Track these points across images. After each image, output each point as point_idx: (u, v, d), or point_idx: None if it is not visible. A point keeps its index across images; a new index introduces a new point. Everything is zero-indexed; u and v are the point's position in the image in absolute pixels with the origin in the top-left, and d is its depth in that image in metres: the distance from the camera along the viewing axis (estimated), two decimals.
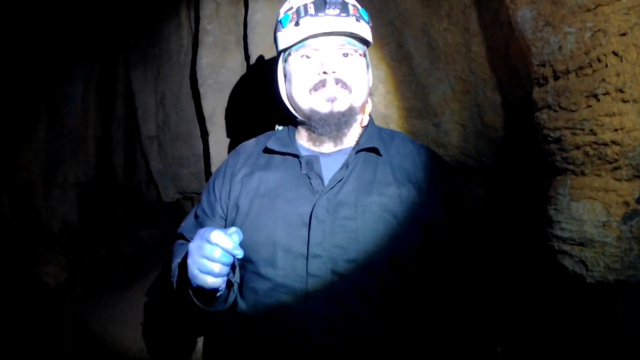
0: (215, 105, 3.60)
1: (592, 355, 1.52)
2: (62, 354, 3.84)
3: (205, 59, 3.73)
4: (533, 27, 1.48)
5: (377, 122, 2.20)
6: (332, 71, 1.47)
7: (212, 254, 1.22)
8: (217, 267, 1.23)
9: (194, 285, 1.29)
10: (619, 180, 1.33)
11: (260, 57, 2.96)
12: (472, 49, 2.00)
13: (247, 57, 3.21)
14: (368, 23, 1.57)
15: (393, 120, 2.34)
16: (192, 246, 1.28)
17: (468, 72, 2.03)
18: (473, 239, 1.57)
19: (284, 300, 1.38)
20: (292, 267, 1.38)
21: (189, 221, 1.73)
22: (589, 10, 1.32)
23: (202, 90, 3.72)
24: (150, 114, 5.53)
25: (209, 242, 1.22)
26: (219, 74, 3.67)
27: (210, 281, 1.25)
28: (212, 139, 3.57)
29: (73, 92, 5.96)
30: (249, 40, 3.06)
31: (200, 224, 1.63)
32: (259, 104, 3.03)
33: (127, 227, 6.14)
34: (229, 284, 1.43)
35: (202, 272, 1.25)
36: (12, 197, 5.50)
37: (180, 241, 1.70)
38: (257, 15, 3.00)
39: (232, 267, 1.41)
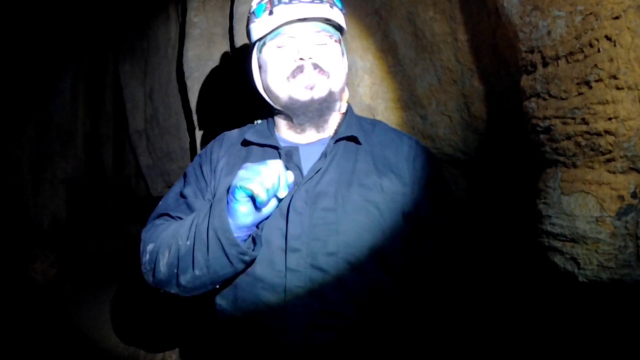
0: (202, 98, 3.57)
1: (585, 357, 1.49)
2: (51, 351, 3.83)
3: (191, 51, 3.75)
4: (520, 12, 1.43)
5: (362, 114, 2.20)
6: (309, 57, 1.46)
7: (269, 173, 1.27)
8: (269, 183, 1.26)
9: (239, 186, 1.27)
10: (613, 172, 1.28)
11: (246, 49, 2.92)
12: (458, 38, 1.98)
13: (233, 49, 3.20)
14: (342, 10, 1.57)
15: (379, 111, 2.33)
16: (248, 164, 1.32)
17: (454, 61, 2.02)
18: (460, 230, 1.54)
19: (263, 296, 1.36)
20: (270, 261, 1.36)
21: (171, 201, 1.61)
22: None
23: (189, 83, 3.72)
24: (138, 108, 5.57)
25: (267, 166, 1.28)
26: (206, 67, 3.68)
27: (258, 189, 1.25)
28: (199, 132, 3.56)
29: (62, 87, 5.99)
30: (235, 32, 3.06)
31: (189, 205, 1.55)
32: (246, 96, 3.00)
33: (116, 223, 6.15)
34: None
35: (254, 178, 1.26)
36: (0, 193, 5.47)
37: (162, 220, 1.57)
38: (243, 7, 2.99)
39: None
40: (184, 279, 1.36)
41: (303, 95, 1.47)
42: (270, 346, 1.34)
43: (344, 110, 1.59)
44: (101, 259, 5.72)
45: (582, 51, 1.27)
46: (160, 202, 1.64)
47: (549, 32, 1.35)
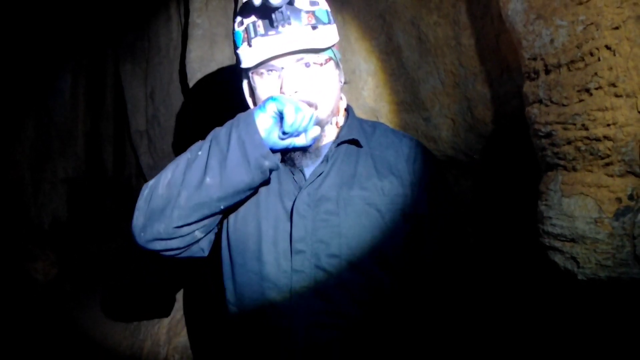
0: (204, 99, 3.58)
1: (584, 352, 1.52)
2: (52, 350, 3.84)
3: (194, 52, 3.74)
4: (524, 20, 1.46)
5: (366, 116, 2.21)
6: (294, 91, 1.38)
7: (305, 108, 1.29)
8: (301, 115, 1.27)
9: (275, 97, 1.29)
10: (611, 176, 1.32)
11: None
12: (461, 42, 2.00)
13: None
14: (329, 23, 1.45)
15: (383, 114, 2.34)
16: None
17: (458, 65, 2.03)
18: (460, 230, 1.55)
19: (270, 296, 1.38)
20: (276, 262, 1.38)
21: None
22: (581, 3, 1.31)
23: (191, 84, 3.72)
24: (139, 108, 5.53)
25: (303, 104, 1.30)
26: (208, 67, 3.67)
27: (290, 110, 1.25)
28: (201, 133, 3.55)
29: (62, 86, 5.94)
30: None
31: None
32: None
33: (116, 222, 6.13)
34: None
35: (291, 101, 1.27)
36: (1, 193, 5.46)
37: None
38: None
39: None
40: (185, 195, 1.30)
41: None
42: (274, 345, 1.37)
43: (341, 123, 1.55)
44: (101, 258, 5.71)
45: (583, 59, 1.30)
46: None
47: (551, 41, 1.38)
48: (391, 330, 1.40)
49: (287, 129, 1.26)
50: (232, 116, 1.33)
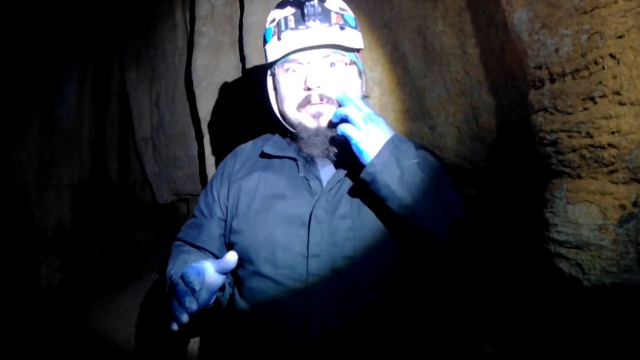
0: (210, 107, 3.62)
1: (589, 356, 1.52)
2: (56, 355, 3.84)
3: (200, 60, 3.75)
4: (529, 30, 1.47)
5: None
6: (317, 85, 1.46)
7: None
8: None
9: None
10: (616, 183, 1.32)
11: (255, 59, 2.97)
12: (467, 51, 2.00)
13: (242, 58, 3.22)
14: (355, 28, 1.55)
15: (388, 122, 2.32)
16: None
17: (463, 74, 2.04)
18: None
19: (284, 300, 1.40)
20: (291, 267, 1.41)
21: (186, 225, 1.74)
22: (585, 12, 1.31)
23: (197, 92, 3.74)
24: (144, 115, 5.56)
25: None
26: (214, 76, 3.69)
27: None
28: (207, 141, 3.59)
29: (67, 92, 5.97)
30: (244, 42, 3.07)
31: (198, 225, 1.65)
32: (254, 106, 3.03)
33: (120, 229, 6.15)
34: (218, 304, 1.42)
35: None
36: (5, 198, 5.48)
37: (178, 242, 1.72)
38: (252, 17, 3.01)
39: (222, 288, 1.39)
40: None
41: (311, 123, 1.49)
42: (288, 348, 1.38)
43: None
44: (105, 265, 5.72)
45: (588, 68, 1.31)
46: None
47: (556, 50, 1.39)
48: (402, 329, 1.42)
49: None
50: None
